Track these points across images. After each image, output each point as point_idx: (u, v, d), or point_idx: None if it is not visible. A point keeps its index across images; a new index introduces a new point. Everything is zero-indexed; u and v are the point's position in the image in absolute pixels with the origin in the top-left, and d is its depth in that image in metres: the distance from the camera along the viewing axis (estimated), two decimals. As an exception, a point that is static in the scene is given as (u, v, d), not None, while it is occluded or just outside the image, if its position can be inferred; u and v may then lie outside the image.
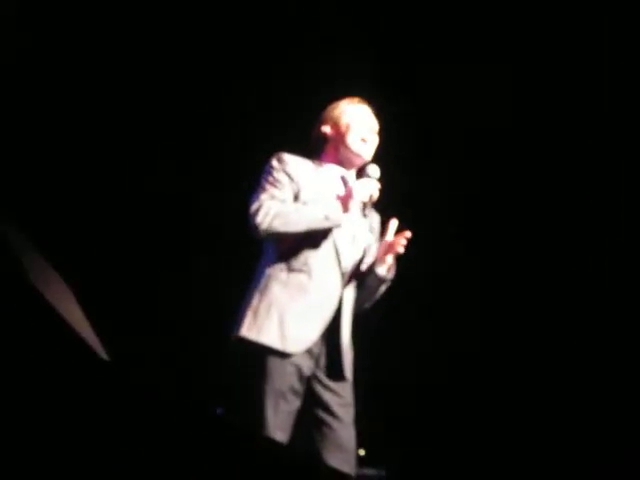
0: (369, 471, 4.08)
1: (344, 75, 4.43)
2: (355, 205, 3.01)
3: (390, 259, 3.05)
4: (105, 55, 4.58)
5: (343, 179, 3.12)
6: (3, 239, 1.85)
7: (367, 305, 3.16)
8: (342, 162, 3.14)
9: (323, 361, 2.99)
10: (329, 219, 2.94)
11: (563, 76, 4.60)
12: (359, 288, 3.11)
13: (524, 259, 4.75)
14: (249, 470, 1.92)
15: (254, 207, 2.91)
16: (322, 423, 2.93)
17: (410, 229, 3.03)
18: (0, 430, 1.75)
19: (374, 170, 3.09)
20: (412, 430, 4.68)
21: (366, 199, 3.03)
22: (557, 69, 4.60)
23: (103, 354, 1.97)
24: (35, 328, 1.80)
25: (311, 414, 2.95)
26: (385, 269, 3.06)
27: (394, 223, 3.07)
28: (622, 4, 4.41)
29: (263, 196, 2.94)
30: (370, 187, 3.04)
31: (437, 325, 4.75)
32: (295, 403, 2.91)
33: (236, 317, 2.95)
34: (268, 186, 2.98)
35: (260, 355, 2.87)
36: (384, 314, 4.01)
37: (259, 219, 2.87)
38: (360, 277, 3.10)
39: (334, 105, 3.21)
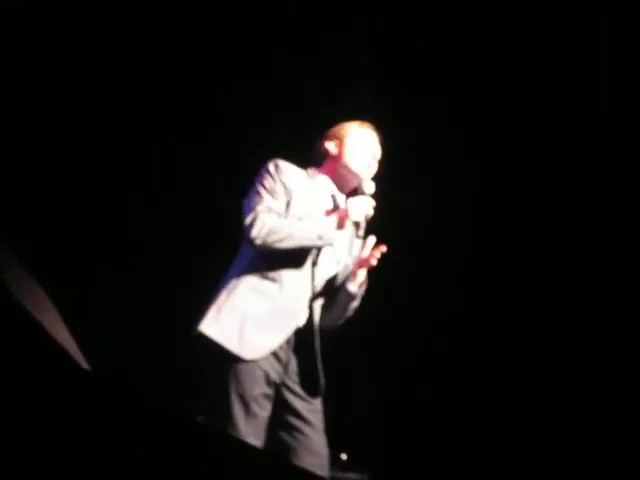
0: (351, 475, 4.08)
1: (346, 80, 4.49)
2: (349, 224, 3.03)
3: (362, 275, 3.04)
4: (110, 57, 4.57)
5: (333, 197, 3.13)
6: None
7: (339, 322, 3.13)
8: (337, 180, 3.15)
9: (294, 369, 2.99)
10: (322, 238, 2.95)
11: (564, 77, 4.58)
12: (329, 304, 3.09)
13: (523, 263, 4.74)
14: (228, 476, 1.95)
15: (249, 219, 2.90)
16: (293, 429, 2.92)
17: (389, 244, 3.02)
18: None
19: (369, 186, 3.10)
20: (395, 434, 4.68)
21: (361, 218, 3.03)
22: (557, 71, 4.59)
23: (84, 364, 2.00)
24: (17, 340, 1.83)
25: (281, 420, 2.94)
26: (356, 285, 3.05)
27: (372, 240, 3.06)
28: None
29: (259, 207, 2.93)
30: (366, 205, 3.04)
31: (423, 324, 4.75)
32: (267, 408, 2.90)
33: (201, 313, 2.94)
34: (264, 194, 2.97)
35: (221, 356, 2.86)
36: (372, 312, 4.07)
37: (254, 233, 2.87)
38: (331, 293, 3.09)
39: (343, 124, 3.22)
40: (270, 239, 2.87)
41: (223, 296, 2.92)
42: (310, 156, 3.21)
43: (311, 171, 3.14)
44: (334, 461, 3.81)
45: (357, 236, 3.06)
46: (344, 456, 4.10)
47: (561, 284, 4.61)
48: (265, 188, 2.98)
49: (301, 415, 2.94)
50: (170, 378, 4.32)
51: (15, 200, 4.39)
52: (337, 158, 3.14)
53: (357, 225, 3.04)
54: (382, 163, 3.18)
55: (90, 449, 1.83)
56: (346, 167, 3.13)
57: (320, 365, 2.99)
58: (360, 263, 3.04)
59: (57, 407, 1.85)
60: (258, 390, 2.87)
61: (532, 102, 4.65)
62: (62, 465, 1.82)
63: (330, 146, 3.17)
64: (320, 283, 3.03)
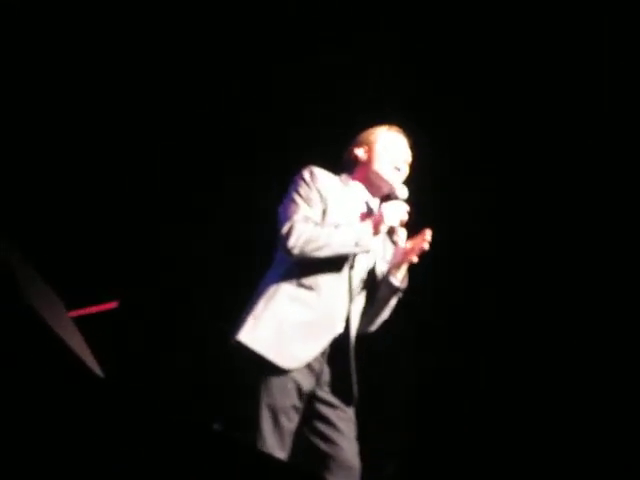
0: None
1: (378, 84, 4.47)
2: (385, 229, 3.02)
3: (404, 268, 3.02)
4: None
5: (367, 204, 3.12)
6: (5, 264, 1.92)
7: (372, 327, 3.12)
8: (369, 186, 3.14)
9: (327, 379, 2.97)
10: (359, 245, 2.94)
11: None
12: (368, 304, 3.08)
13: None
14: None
15: (286, 228, 2.89)
16: (325, 437, 2.91)
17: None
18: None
19: (403, 191, 3.08)
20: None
21: (396, 223, 3.02)
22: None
23: (99, 372, 2.03)
24: (33, 347, 1.86)
25: (313, 429, 2.92)
26: (399, 279, 3.03)
27: (403, 232, 3.05)
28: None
29: (295, 216, 2.92)
30: (400, 210, 3.02)
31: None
32: (295, 420, 2.87)
33: (237, 321, 2.93)
34: (300, 202, 2.96)
35: (258, 366, 2.84)
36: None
37: (291, 243, 2.87)
38: (369, 292, 3.08)
39: (372, 130, 3.21)
40: (308, 248, 2.87)
41: (261, 305, 2.90)
42: (341, 162, 3.21)
43: (344, 178, 3.13)
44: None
45: (392, 241, 3.05)
46: None
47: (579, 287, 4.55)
48: (301, 196, 2.98)
49: (332, 423, 2.92)
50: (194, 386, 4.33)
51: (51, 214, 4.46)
52: (367, 164, 3.13)
53: (392, 230, 3.03)
54: (413, 167, 3.17)
55: (103, 455, 1.85)
56: (376, 173, 3.12)
57: (354, 374, 2.97)
58: (408, 252, 3.01)
59: (71, 415, 1.88)
60: (289, 402, 2.85)
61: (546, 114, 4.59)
62: (77, 471, 1.85)
63: (360, 152, 3.16)
64: (356, 290, 3.02)
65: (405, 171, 3.14)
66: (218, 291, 4.52)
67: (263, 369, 2.84)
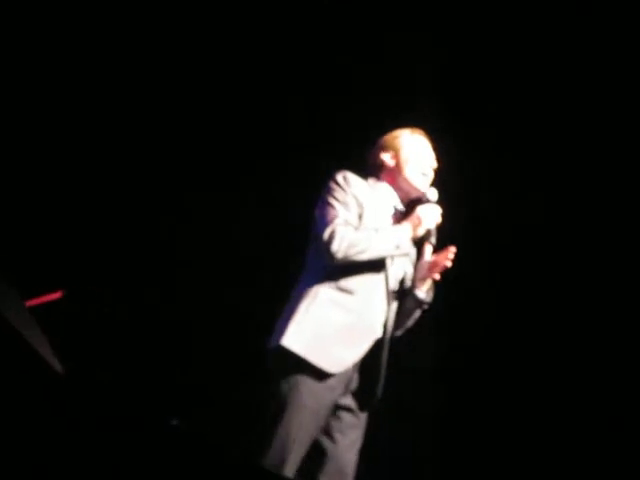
0: None
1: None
2: (422, 232, 3.04)
3: (429, 282, 3.05)
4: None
5: (395, 208, 3.14)
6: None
7: (399, 332, 3.13)
8: (397, 191, 3.15)
9: (354, 385, 2.98)
10: (399, 247, 2.97)
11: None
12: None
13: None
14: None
15: (328, 233, 2.90)
16: (331, 437, 2.93)
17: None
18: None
19: (433, 194, 3.10)
20: None
21: (433, 226, 3.04)
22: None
23: (58, 367, 2.01)
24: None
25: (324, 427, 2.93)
26: (424, 291, 3.07)
27: (429, 247, 3.06)
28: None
29: (337, 220, 2.93)
30: (435, 213, 3.06)
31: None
32: (321, 424, 2.89)
33: (277, 328, 2.93)
34: (337, 206, 2.97)
35: (298, 370, 2.84)
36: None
37: (335, 247, 2.88)
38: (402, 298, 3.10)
39: (395, 134, 3.21)
40: (351, 252, 2.89)
41: (302, 309, 2.90)
42: (364, 165, 3.20)
43: (372, 182, 3.13)
44: None
45: (430, 243, 3.05)
46: None
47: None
48: (338, 200, 2.99)
49: (344, 426, 2.95)
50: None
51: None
52: (395, 171, 3.14)
53: (428, 233, 3.05)
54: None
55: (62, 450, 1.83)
56: (406, 180, 3.12)
57: (383, 379, 2.98)
58: (431, 268, 3.04)
59: (30, 411, 1.86)
60: (322, 406, 2.87)
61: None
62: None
63: (386, 158, 3.16)
64: (393, 294, 3.05)
65: (432, 176, 3.16)
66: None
67: (303, 374, 2.84)
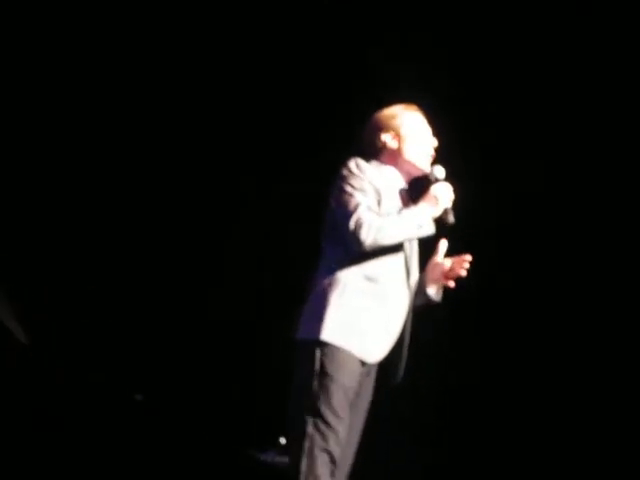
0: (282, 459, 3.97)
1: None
2: (440, 211, 2.94)
3: (440, 280, 2.99)
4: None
5: (402, 193, 3.03)
6: None
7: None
8: (400, 172, 3.03)
9: (372, 374, 2.92)
10: (422, 227, 2.87)
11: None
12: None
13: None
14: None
15: (354, 221, 2.78)
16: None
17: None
18: None
19: (440, 171, 2.99)
20: None
21: (450, 204, 2.94)
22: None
23: (23, 339, 2.00)
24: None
25: None
26: (435, 291, 3.01)
27: (444, 243, 3.01)
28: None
29: (360, 207, 2.81)
30: (449, 190, 2.96)
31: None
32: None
33: (306, 319, 2.85)
34: (356, 194, 2.85)
35: (335, 361, 2.74)
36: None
37: (364, 234, 2.76)
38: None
39: (392, 113, 3.05)
40: (379, 237, 2.78)
41: (334, 302, 2.79)
42: (364, 151, 3.05)
43: (375, 164, 3.00)
44: (273, 445, 3.77)
45: (447, 222, 2.95)
46: (282, 440, 4.03)
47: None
48: (355, 188, 2.86)
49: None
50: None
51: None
52: (398, 152, 3.00)
53: (446, 212, 2.94)
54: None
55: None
56: (409, 162, 3.00)
57: (402, 369, 2.91)
58: (446, 274, 2.99)
59: None
60: (353, 392, 2.78)
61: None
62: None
63: (388, 139, 3.00)
64: (413, 280, 2.98)
65: (434, 153, 3.06)
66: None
67: (344, 363, 2.75)
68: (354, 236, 2.78)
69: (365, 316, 2.80)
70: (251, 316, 4.49)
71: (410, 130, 3.01)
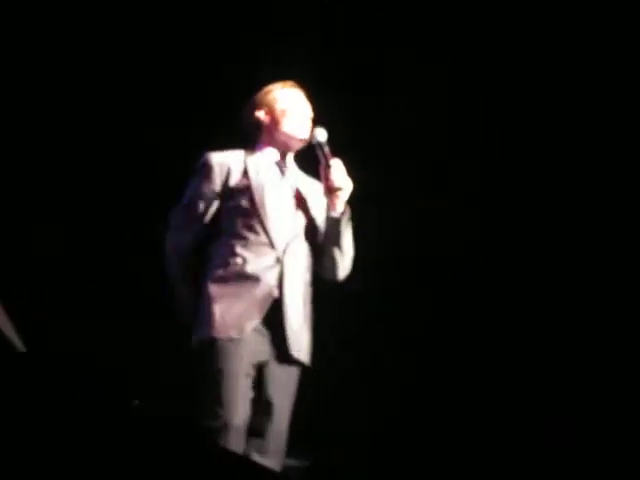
0: (292, 462, 3.97)
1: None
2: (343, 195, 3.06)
3: (340, 202, 3.07)
4: None
5: (279, 165, 3.15)
6: None
7: (338, 262, 3.13)
8: (280, 147, 3.16)
9: (273, 342, 3.01)
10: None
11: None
12: (323, 245, 3.12)
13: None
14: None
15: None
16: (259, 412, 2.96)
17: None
18: None
19: (321, 133, 3.10)
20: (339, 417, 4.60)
21: (343, 183, 3.05)
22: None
23: (19, 345, 1.97)
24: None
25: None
26: (331, 209, 3.08)
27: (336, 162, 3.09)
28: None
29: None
30: (340, 167, 3.07)
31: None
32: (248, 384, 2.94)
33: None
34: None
35: (212, 347, 2.92)
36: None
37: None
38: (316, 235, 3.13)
39: (266, 90, 3.20)
40: None
41: (198, 300, 3.01)
42: (243, 133, 3.20)
43: (250, 147, 3.16)
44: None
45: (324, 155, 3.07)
46: None
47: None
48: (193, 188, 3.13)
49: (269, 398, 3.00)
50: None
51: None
52: (272, 127, 3.14)
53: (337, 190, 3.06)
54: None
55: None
56: (284, 134, 3.14)
57: (290, 326, 2.99)
58: (327, 189, 3.07)
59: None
60: (243, 367, 2.92)
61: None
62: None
63: (261, 115, 3.16)
64: (283, 241, 3.04)
65: (309, 124, 3.15)
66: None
67: (217, 346, 2.93)
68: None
69: (217, 297, 2.97)
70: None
71: (284, 103, 3.14)
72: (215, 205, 3.05)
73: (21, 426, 1.81)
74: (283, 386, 3.00)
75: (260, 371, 2.99)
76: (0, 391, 1.80)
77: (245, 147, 3.16)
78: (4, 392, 1.80)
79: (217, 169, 3.06)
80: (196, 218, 3.04)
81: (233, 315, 2.92)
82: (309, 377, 3.11)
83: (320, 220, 3.13)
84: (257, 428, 2.95)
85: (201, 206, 3.04)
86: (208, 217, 3.05)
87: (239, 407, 2.88)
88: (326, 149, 3.07)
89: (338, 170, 3.04)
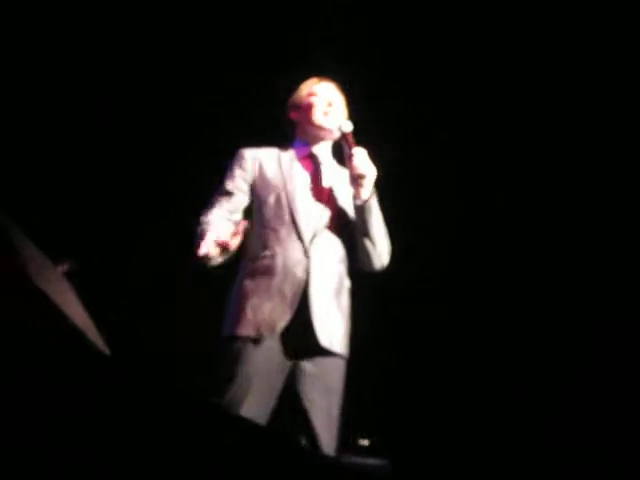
0: (372, 461, 3.96)
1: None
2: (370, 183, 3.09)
3: (354, 185, 3.10)
4: None
5: (313, 156, 3.24)
6: (3, 234, 1.83)
7: (371, 252, 3.16)
8: (312, 141, 3.26)
9: (303, 336, 3.01)
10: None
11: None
12: (355, 236, 3.15)
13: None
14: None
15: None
16: (298, 412, 2.99)
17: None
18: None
19: (347, 125, 3.16)
20: (417, 419, 4.62)
21: (365, 170, 3.08)
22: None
23: (104, 348, 1.97)
24: (36, 324, 1.78)
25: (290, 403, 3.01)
26: (355, 197, 3.11)
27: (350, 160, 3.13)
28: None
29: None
30: (364, 155, 3.11)
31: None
32: (270, 384, 2.97)
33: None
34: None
35: (237, 345, 2.97)
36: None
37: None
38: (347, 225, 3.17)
39: (300, 87, 3.34)
40: None
41: (230, 296, 3.09)
42: (286, 131, 3.34)
43: (285, 144, 3.28)
44: (354, 446, 3.79)
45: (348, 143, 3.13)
46: (365, 441, 4.02)
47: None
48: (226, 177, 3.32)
49: (305, 397, 3.03)
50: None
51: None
52: (303, 120, 3.27)
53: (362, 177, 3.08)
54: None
55: (105, 433, 1.79)
56: (314, 125, 3.24)
57: (317, 316, 3.01)
58: (352, 177, 3.10)
59: (77, 391, 1.81)
60: (263, 367, 2.97)
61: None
62: (78, 451, 1.78)
63: (293, 115, 3.32)
64: (310, 233, 3.09)
65: (338, 110, 3.25)
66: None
67: (241, 345, 2.99)
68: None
69: (249, 294, 3.05)
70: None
71: (309, 98, 3.27)
72: (245, 190, 3.15)
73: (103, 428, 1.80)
74: (317, 381, 3.00)
75: (292, 370, 3.00)
76: (86, 394, 1.78)
77: (280, 145, 3.28)
78: (90, 395, 1.79)
79: (250, 160, 3.19)
80: (224, 193, 3.14)
81: (264, 313, 2.96)
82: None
83: (350, 211, 3.17)
84: (304, 427, 2.96)
85: (230, 185, 3.14)
86: (237, 198, 3.14)
87: (251, 409, 2.90)
88: (351, 139, 3.11)
89: (361, 158, 3.08)
